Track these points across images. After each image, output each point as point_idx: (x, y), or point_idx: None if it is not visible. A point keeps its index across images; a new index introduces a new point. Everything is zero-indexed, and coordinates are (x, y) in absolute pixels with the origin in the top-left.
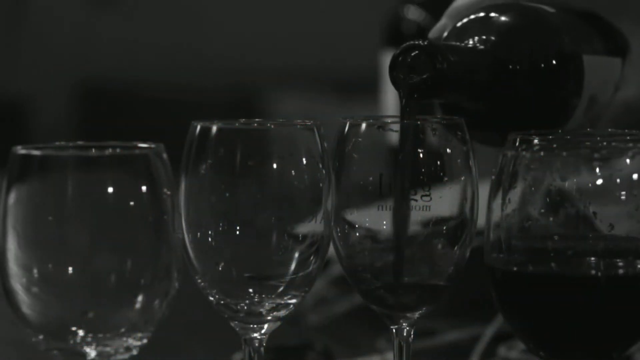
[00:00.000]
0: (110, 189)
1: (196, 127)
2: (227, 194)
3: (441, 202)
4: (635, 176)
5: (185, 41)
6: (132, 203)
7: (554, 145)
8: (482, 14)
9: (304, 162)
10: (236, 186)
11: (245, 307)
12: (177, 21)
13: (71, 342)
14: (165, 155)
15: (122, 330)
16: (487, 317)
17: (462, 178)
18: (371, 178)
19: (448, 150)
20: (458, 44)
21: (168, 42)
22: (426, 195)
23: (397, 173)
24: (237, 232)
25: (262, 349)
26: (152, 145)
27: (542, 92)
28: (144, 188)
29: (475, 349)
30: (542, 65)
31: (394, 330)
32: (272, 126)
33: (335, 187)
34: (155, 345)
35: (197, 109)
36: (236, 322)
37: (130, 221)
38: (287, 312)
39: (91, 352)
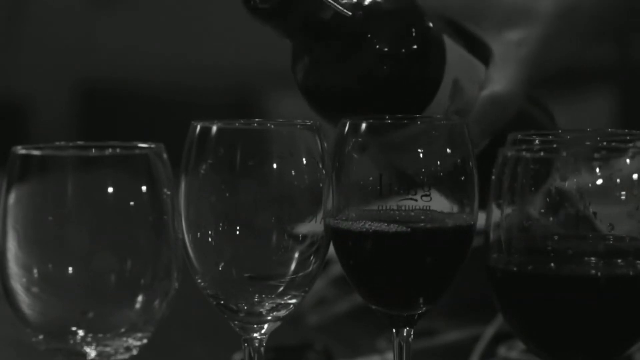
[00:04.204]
0: (110, 189)
1: (196, 127)
2: (227, 194)
3: (441, 202)
4: (635, 176)
5: (186, 41)
6: (132, 203)
7: (554, 145)
8: None
9: (304, 162)
10: (236, 186)
11: (245, 307)
12: (177, 21)
13: (71, 342)
14: (165, 155)
15: (122, 330)
16: (487, 317)
17: (463, 178)
18: (371, 178)
19: (448, 150)
20: None
21: (168, 41)
22: (426, 195)
23: None
24: (237, 232)
25: (262, 349)
26: (152, 145)
27: (402, 69)
28: (144, 188)
29: (475, 349)
30: (397, 29)
31: (394, 330)
32: (272, 126)
33: (336, 187)
34: (155, 345)
35: (197, 109)
36: (236, 322)
37: (130, 221)
38: (287, 312)
39: (91, 352)
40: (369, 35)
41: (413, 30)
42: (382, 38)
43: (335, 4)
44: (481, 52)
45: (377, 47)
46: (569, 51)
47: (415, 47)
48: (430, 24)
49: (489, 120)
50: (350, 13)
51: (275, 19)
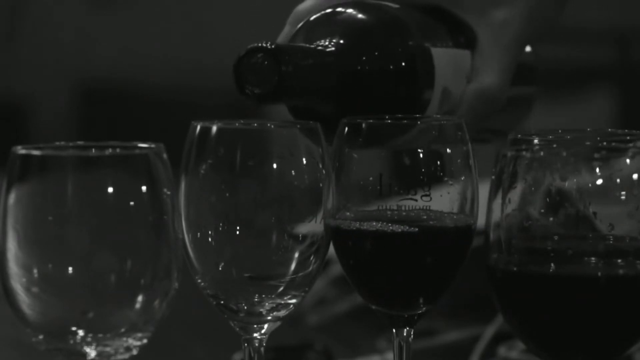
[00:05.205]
0: (110, 189)
1: (196, 127)
2: (227, 194)
3: (441, 202)
4: (635, 176)
5: (186, 41)
6: (132, 203)
7: (554, 145)
8: (327, 12)
9: (304, 162)
10: (236, 186)
11: (245, 307)
12: (177, 21)
13: (71, 342)
14: (165, 155)
15: (122, 330)
16: (487, 317)
17: (462, 178)
18: (371, 178)
19: (448, 150)
20: (306, 45)
21: (168, 42)
22: (426, 195)
23: None
24: (237, 232)
25: (262, 349)
26: (152, 145)
27: (393, 90)
28: (144, 188)
29: (475, 349)
30: (391, 64)
31: (394, 330)
32: (272, 126)
33: (335, 187)
34: (155, 345)
35: (197, 109)
36: (236, 322)
37: (130, 221)
38: (287, 312)
39: (91, 352)
40: (356, 69)
41: (399, 51)
42: (370, 71)
43: (318, 54)
44: (466, 36)
45: (366, 80)
46: (552, 21)
47: (403, 73)
48: (416, 41)
49: (478, 114)
50: (331, 58)
51: (270, 102)
